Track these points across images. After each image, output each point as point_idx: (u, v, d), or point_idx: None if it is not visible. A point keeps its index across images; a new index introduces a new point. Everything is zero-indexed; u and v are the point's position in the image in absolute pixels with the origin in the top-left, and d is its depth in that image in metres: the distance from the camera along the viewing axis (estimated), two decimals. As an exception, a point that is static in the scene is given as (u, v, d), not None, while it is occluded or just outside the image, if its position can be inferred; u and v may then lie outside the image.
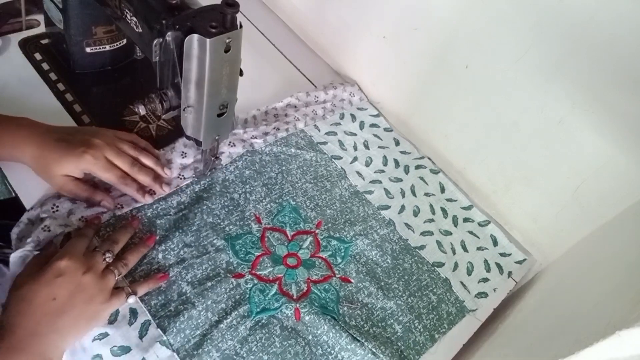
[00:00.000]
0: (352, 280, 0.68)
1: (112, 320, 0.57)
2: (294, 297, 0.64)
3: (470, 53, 0.73)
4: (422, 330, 0.66)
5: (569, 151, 0.68)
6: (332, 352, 0.61)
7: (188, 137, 0.63)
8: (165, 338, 0.57)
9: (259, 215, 0.70)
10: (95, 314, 0.53)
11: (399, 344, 0.64)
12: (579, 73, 0.62)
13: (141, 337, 0.56)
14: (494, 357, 0.61)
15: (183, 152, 0.72)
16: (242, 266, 0.65)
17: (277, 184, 0.74)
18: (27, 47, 0.78)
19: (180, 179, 0.69)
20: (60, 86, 0.75)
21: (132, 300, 0.56)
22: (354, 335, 0.62)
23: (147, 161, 0.66)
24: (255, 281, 0.64)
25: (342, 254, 0.70)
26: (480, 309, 0.71)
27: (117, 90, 0.78)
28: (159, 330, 0.57)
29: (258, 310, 0.62)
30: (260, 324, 0.61)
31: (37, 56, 0.77)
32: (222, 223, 0.68)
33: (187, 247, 0.64)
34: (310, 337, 0.62)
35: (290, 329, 0.62)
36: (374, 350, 0.62)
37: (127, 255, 0.58)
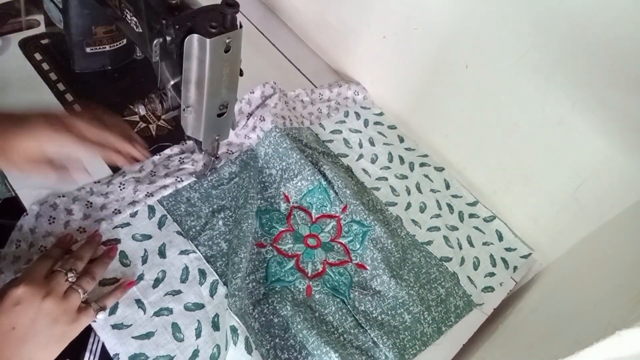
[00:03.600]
0: (368, 268, 0.69)
1: (134, 214, 0.64)
2: (309, 274, 0.67)
3: (470, 53, 0.73)
4: (430, 322, 0.67)
5: (569, 151, 0.68)
6: (336, 332, 0.63)
7: (188, 137, 0.63)
8: (180, 229, 0.65)
9: (287, 194, 0.72)
10: (62, 335, 0.52)
11: (406, 333, 0.65)
12: (579, 73, 0.62)
13: (160, 228, 0.64)
14: (495, 356, 0.61)
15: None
16: (265, 237, 0.69)
17: (310, 163, 0.74)
18: (27, 47, 0.78)
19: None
20: (60, 86, 0.75)
21: (101, 316, 0.55)
22: (360, 321, 0.64)
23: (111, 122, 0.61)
24: (275, 253, 0.68)
25: (361, 238, 0.71)
26: (487, 303, 0.72)
27: (117, 90, 0.78)
28: (175, 224, 0.65)
29: (273, 279, 0.65)
30: (273, 290, 0.64)
31: (37, 56, 0.77)
32: (256, 196, 0.70)
33: (238, 209, 0.67)
34: (317, 315, 0.64)
35: (300, 302, 0.64)
36: (375, 339, 0.63)
37: (93, 269, 0.56)
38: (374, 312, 0.66)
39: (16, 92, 0.72)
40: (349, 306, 0.66)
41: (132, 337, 0.55)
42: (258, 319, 0.61)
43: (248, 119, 0.76)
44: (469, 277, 0.73)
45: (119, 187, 0.66)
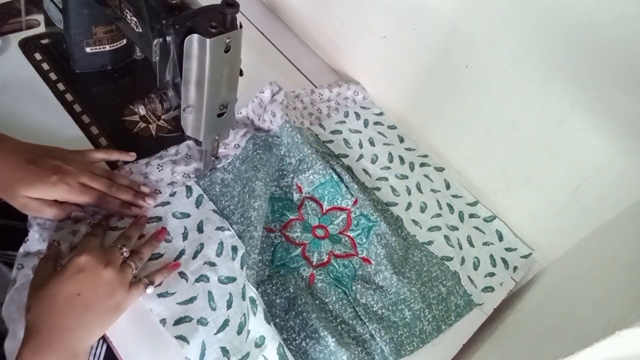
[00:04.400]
0: (372, 262, 0.70)
1: (172, 194, 0.67)
2: (313, 263, 0.69)
3: (470, 53, 0.73)
4: (430, 319, 0.67)
5: (569, 151, 0.68)
6: (334, 321, 0.64)
7: (188, 137, 0.63)
8: (216, 207, 0.68)
9: (300, 185, 0.74)
10: (117, 306, 0.54)
11: (405, 329, 0.65)
12: (579, 73, 0.62)
13: (197, 206, 0.67)
14: (494, 356, 0.61)
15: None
16: (274, 223, 0.71)
17: (321, 158, 0.75)
18: (27, 47, 0.78)
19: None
20: (60, 86, 0.75)
21: (150, 290, 0.58)
22: (359, 313, 0.65)
23: (123, 181, 0.65)
24: (283, 239, 0.69)
25: (367, 232, 0.72)
26: (487, 303, 0.72)
27: (117, 90, 0.78)
28: (211, 202, 0.68)
29: (278, 263, 0.67)
30: (278, 274, 0.66)
31: (37, 56, 0.77)
32: (271, 183, 0.73)
33: (257, 180, 0.69)
34: (317, 302, 0.65)
35: (302, 288, 0.65)
36: (372, 332, 0.64)
37: (142, 249, 0.60)
38: (375, 306, 0.66)
39: (16, 92, 0.72)
40: (350, 298, 0.66)
41: (177, 304, 0.59)
42: (260, 297, 0.62)
43: (264, 114, 0.78)
44: (469, 277, 0.73)
45: (157, 168, 0.69)
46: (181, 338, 0.57)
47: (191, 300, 0.60)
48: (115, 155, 0.68)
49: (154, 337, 0.58)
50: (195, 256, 0.63)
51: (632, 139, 0.61)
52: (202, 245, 0.64)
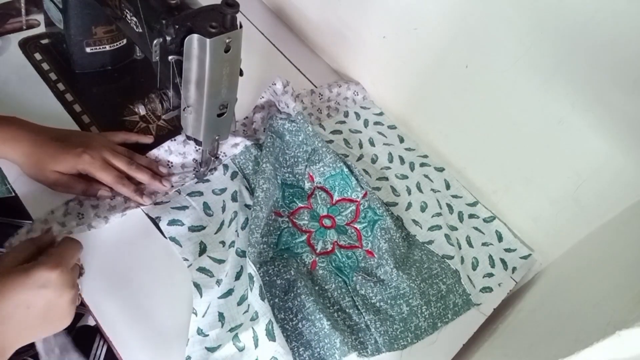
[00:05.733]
0: (375, 256, 0.71)
1: (212, 170, 0.72)
2: (317, 251, 0.70)
3: (470, 53, 0.73)
4: (427, 316, 0.67)
5: (569, 151, 0.68)
6: (332, 308, 0.65)
7: (188, 137, 0.63)
8: (247, 185, 0.72)
9: (312, 174, 0.75)
10: (56, 327, 0.52)
11: (400, 324, 0.66)
12: (578, 73, 0.62)
13: (232, 179, 0.73)
14: (495, 356, 0.61)
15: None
16: (283, 209, 0.73)
17: (333, 151, 0.76)
18: (27, 47, 0.78)
19: (248, 137, 0.75)
20: (60, 86, 0.75)
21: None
22: (357, 303, 0.66)
23: (142, 161, 0.68)
24: (290, 225, 0.71)
25: (372, 226, 0.73)
26: (485, 304, 0.72)
27: (117, 90, 0.78)
28: (244, 179, 0.73)
29: (282, 247, 0.69)
30: (281, 257, 0.67)
31: (37, 56, 0.77)
32: (286, 169, 0.75)
33: (269, 163, 0.71)
34: (317, 288, 0.66)
35: (303, 273, 0.66)
36: (368, 322, 0.64)
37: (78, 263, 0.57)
38: (374, 298, 0.67)
39: (16, 92, 0.72)
40: (349, 287, 0.67)
41: (208, 256, 0.63)
42: (262, 277, 0.63)
43: (279, 104, 0.79)
44: (468, 277, 0.73)
45: (195, 148, 0.71)
46: (197, 287, 0.60)
47: (220, 261, 0.63)
48: (134, 137, 0.71)
49: (154, 337, 0.58)
50: (230, 224, 0.67)
51: (631, 139, 0.61)
52: (235, 213, 0.68)
